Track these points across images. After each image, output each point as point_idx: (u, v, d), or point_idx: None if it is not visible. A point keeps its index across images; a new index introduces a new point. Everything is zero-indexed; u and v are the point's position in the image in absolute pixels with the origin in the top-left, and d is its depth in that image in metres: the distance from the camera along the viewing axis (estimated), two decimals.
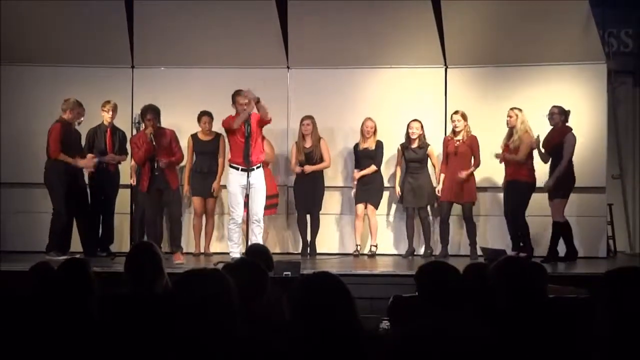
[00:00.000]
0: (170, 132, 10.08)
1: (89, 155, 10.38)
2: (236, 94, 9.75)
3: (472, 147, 10.66)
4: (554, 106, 10.30)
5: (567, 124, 10.26)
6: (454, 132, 10.74)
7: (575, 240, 10.50)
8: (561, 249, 10.35)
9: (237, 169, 9.66)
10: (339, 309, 3.22)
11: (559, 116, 10.24)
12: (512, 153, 10.34)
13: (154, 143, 9.73)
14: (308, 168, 10.86)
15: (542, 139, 10.35)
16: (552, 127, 10.31)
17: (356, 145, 11.11)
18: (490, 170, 10.75)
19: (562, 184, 10.17)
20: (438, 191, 10.82)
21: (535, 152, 10.40)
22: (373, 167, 10.92)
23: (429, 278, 4.13)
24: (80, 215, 10.49)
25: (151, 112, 9.82)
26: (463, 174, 10.51)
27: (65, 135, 10.22)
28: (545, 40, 11.04)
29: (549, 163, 10.31)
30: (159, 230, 10.12)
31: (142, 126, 10.06)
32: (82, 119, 10.59)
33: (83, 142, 10.65)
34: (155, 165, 9.72)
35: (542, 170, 10.42)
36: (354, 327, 3.22)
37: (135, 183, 10.56)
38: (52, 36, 11.37)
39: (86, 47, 11.44)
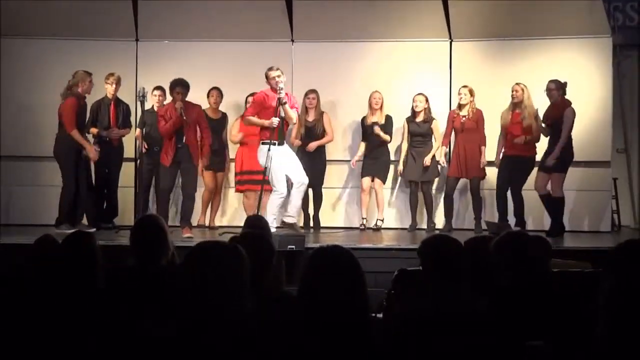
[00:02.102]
0: (199, 109, 10.12)
1: (94, 148, 10.27)
2: (268, 70, 9.71)
3: (478, 122, 10.59)
4: (550, 81, 10.22)
5: (566, 97, 10.20)
6: (459, 106, 10.69)
7: (581, 214, 10.58)
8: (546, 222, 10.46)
9: (274, 144, 9.63)
10: (349, 284, 3.21)
11: (557, 91, 10.15)
12: (526, 131, 10.21)
13: (184, 117, 9.72)
14: (312, 146, 10.82)
15: (541, 113, 10.31)
16: (551, 103, 10.28)
17: (364, 119, 11.09)
18: (495, 144, 10.69)
19: (562, 158, 10.12)
20: (442, 162, 10.78)
21: None
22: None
23: (432, 251, 4.13)
24: (89, 188, 10.48)
25: (180, 86, 9.78)
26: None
27: (80, 109, 10.19)
28: (551, 13, 11.00)
29: (548, 138, 10.30)
30: (167, 205, 10.13)
31: (147, 99, 10.06)
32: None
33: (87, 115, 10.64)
34: (184, 139, 9.77)
35: (540, 144, 10.40)
36: (362, 302, 3.22)
37: (144, 149, 10.47)
38: (55, 9, 11.33)
39: (90, 20, 11.40)
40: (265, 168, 9.51)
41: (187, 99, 9.94)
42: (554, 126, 10.19)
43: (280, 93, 9.49)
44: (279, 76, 9.56)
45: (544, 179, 10.22)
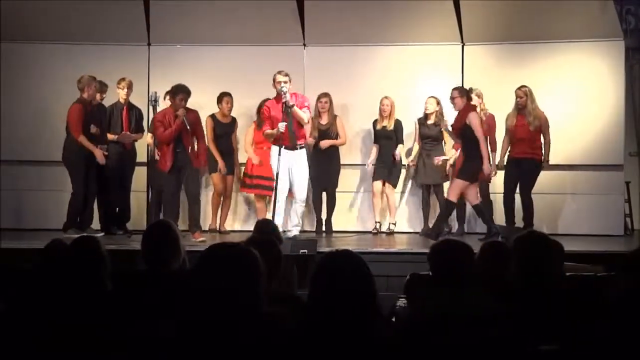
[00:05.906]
0: (196, 114, 10.02)
1: (101, 151, 10.23)
2: (277, 73, 9.70)
3: (490, 126, 10.53)
4: (453, 89, 9.94)
5: (471, 103, 9.93)
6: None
7: (593, 218, 10.57)
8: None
9: (282, 146, 9.63)
10: (358, 288, 3.21)
11: (460, 99, 9.81)
12: (534, 133, 10.23)
13: (187, 125, 9.66)
14: (324, 143, 10.84)
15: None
16: (456, 112, 9.97)
17: (375, 123, 11.09)
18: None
19: (472, 166, 9.76)
20: (447, 168, 10.71)
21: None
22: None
23: (441, 257, 4.12)
24: (101, 192, 10.49)
25: (184, 93, 9.65)
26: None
27: (86, 115, 10.15)
28: (563, 16, 10.99)
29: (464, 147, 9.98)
30: (177, 208, 10.01)
31: (159, 103, 10.02)
32: (104, 95, 10.65)
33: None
34: (182, 144, 9.68)
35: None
36: (372, 307, 3.21)
37: (158, 158, 10.44)
38: (68, 14, 11.34)
39: (102, 24, 11.43)
40: (277, 174, 9.55)
41: (187, 104, 9.88)
42: (463, 133, 9.83)
43: (284, 97, 9.49)
44: (285, 82, 9.55)
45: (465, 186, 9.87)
